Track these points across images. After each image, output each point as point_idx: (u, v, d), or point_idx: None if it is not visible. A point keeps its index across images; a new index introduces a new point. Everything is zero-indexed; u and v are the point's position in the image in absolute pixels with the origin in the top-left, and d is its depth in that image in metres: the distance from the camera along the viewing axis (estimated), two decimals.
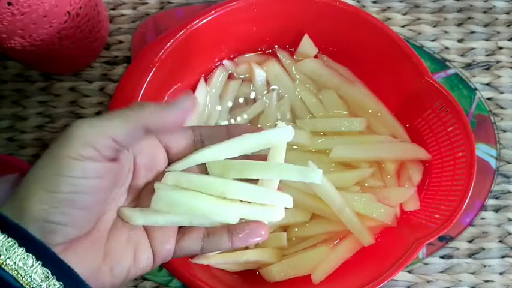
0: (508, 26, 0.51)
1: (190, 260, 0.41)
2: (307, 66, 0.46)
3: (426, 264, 0.46)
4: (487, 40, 0.51)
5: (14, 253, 0.23)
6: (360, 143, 0.44)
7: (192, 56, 0.44)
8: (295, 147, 0.44)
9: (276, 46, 0.48)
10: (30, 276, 0.23)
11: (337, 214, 0.41)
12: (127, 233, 0.29)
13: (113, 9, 0.51)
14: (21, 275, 0.23)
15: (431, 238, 0.38)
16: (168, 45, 0.41)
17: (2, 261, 0.23)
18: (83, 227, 0.26)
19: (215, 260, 0.41)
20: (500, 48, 0.51)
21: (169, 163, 0.32)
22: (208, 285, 0.38)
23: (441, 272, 0.46)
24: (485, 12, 0.51)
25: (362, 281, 0.38)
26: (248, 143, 0.30)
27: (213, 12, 0.41)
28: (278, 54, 0.47)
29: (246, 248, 0.42)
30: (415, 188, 0.44)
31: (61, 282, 0.24)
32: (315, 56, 0.47)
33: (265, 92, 0.47)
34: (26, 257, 0.23)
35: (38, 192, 0.24)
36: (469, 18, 0.51)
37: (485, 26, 0.51)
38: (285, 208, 0.31)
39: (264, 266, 0.42)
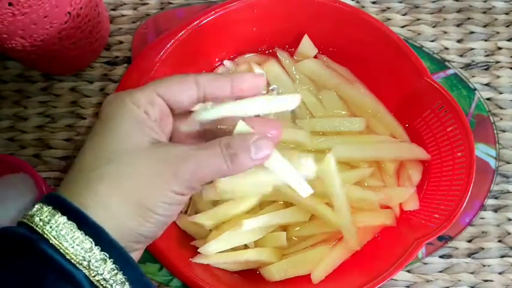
0: (507, 26, 0.51)
1: (190, 259, 0.41)
2: (307, 67, 0.46)
3: (425, 263, 0.46)
4: (486, 40, 0.51)
5: (93, 254, 0.25)
6: (359, 143, 0.44)
7: (193, 56, 0.44)
8: (292, 145, 0.45)
9: (276, 46, 0.48)
10: (102, 274, 0.25)
11: (335, 208, 0.41)
12: None
13: (113, 9, 0.51)
14: (92, 272, 0.25)
15: (430, 238, 0.38)
16: (168, 45, 0.41)
17: (84, 264, 0.24)
18: (156, 237, 0.29)
19: (215, 259, 0.41)
20: (500, 48, 0.51)
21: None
22: (209, 284, 0.38)
23: (440, 272, 0.46)
24: (484, 12, 0.51)
25: (361, 281, 0.38)
26: (257, 106, 0.30)
27: (213, 12, 0.41)
28: (278, 54, 0.47)
29: (246, 247, 0.42)
30: (415, 187, 0.44)
31: (126, 276, 0.25)
32: (315, 57, 0.47)
33: (265, 92, 0.47)
34: (103, 257, 0.25)
35: (143, 210, 0.26)
36: (469, 18, 0.51)
37: (485, 26, 0.51)
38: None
39: (264, 266, 0.42)
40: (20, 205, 0.42)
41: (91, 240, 0.24)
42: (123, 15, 0.51)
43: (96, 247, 0.24)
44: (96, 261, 0.24)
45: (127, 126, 0.27)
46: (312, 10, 0.43)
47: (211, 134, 0.31)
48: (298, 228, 0.43)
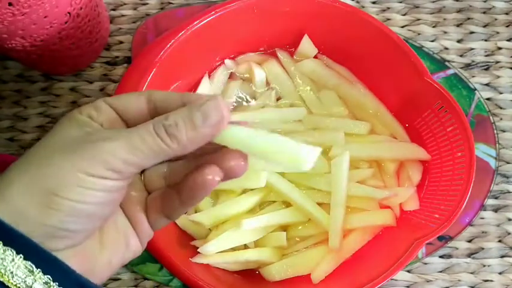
0: (507, 26, 0.51)
1: (190, 259, 0.41)
2: (307, 67, 0.46)
3: (425, 263, 0.46)
4: (486, 40, 0.51)
5: None
6: (359, 143, 0.44)
7: (192, 56, 0.44)
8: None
9: (276, 46, 0.48)
10: (12, 272, 0.22)
11: (332, 204, 0.41)
12: (114, 224, 0.28)
13: (113, 9, 0.51)
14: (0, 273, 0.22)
15: (430, 238, 0.38)
16: (168, 45, 0.41)
17: None
18: (92, 232, 0.26)
19: (215, 259, 0.41)
20: (500, 48, 0.51)
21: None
22: (208, 284, 0.38)
23: (440, 272, 0.46)
24: (484, 12, 0.51)
25: (361, 281, 0.39)
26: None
27: (213, 13, 0.41)
28: (278, 54, 0.47)
29: (246, 247, 0.42)
30: (415, 187, 0.44)
31: (49, 276, 0.23)
32: (315, 57, 0.47)
33: (264, 90, 0.47)
34: (3, 251, 0.22)
35: (49, 196, 0.23)
36: (469, 18, 0.51)
37: (485, 26, 0.51)
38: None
39: (264, 266, 0.42)
40: None
41: None
42: (123, 15, 0.51)
43: None
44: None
45: (63, 128, 0.25)
46: (312, 10, 0.43)
47: None
48: (298, 228, 0.43)
